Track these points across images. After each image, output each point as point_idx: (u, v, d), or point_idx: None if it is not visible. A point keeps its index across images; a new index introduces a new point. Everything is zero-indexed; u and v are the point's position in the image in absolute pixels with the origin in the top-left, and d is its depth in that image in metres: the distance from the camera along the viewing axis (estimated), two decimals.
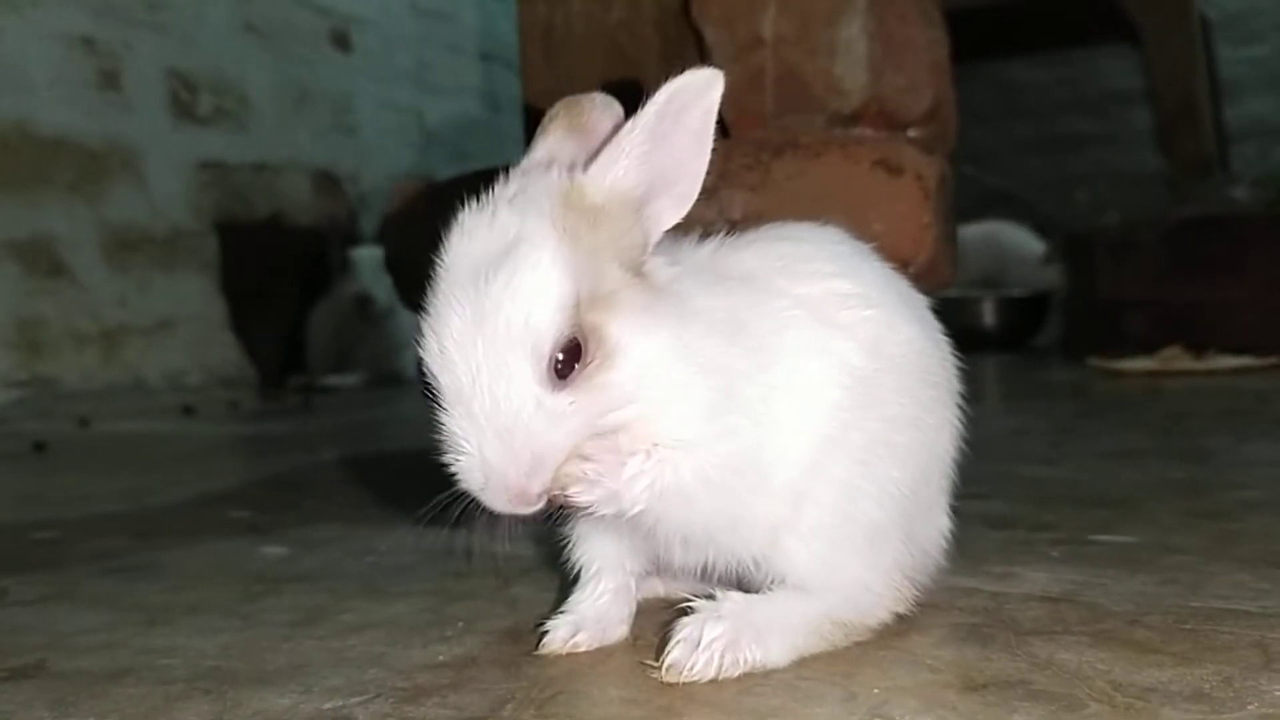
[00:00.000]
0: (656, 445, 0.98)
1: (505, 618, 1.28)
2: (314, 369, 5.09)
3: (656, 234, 1.02)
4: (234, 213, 5.14)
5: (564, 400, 0.94)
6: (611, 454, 0.98)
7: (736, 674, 1.02)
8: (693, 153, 1.00)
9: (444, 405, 0.96)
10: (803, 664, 1.05)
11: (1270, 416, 2.58)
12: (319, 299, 5.21)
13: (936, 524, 1.18)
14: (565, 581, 1.24)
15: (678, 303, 1.00)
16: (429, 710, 1.00)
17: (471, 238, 0.98)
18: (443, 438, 0.97)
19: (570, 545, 1.19)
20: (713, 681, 1.02)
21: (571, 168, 0.99)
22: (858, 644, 1.10)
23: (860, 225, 1.30)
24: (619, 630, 1.16)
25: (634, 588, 1.18)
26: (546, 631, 1.15)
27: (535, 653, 1.14)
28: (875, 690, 0.98)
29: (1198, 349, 3.53)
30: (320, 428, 3.71)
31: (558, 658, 1.13)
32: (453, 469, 0.97)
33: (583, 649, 1.13)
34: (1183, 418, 2.59)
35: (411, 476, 2.43)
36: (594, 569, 1.16)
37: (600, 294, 0.95)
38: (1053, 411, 3.03)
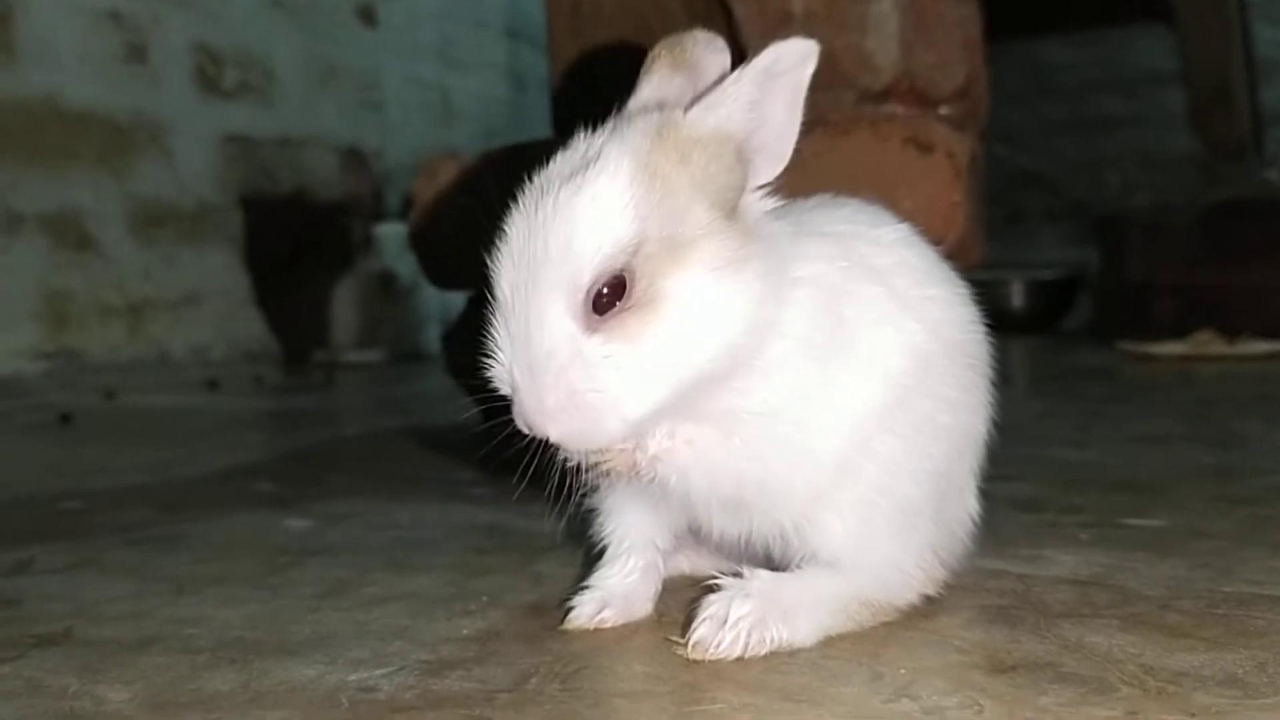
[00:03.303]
0: (728, 414, 0.97)
1: (529, 592, 1.27)
2: (337, 345, 5.10)
3: (755, 182, 1.00)
4: (259, 188, 5.15)
5: (598, 345, 0.92)
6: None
7: (763, 653, 1.01)
8: (786, 117, 0.97)
9: (493, 312, 0.96)
10: (829, 643, 1.04)
11: None
12: (343, 275, 5.21)
13: (966, 505, 1.17)
14: (589, 557, 1.24)
15: (776, 264, 0.98)
16: (453, 683, 0.99)
17: (562, 160, 0.97)
18: (488, 339, 0.97)
19: (598, 519, 1.18)
20: (738, 659, 1.01)
21: (675, 106, 0.98)
22: (885, 624, 1.09)
23: (890, 203, 1.29)
24: (645, 607, 1.16)
25: (661, 565, 1.17)
26: (572, 607, 1.14)
27: (560, 628, 1.13)
28: (902, 670, 0.97)
29: (1230, 333, 3.50)
30: (343, 403, 3.72)
31: (583, 633, 1.12)
32: (488, 374, 0.97)
33: (608, 625, 1.13)
34: (1213, 403, 2.56)
35: (434, 452, 2.43)
36: (623, 545, 1.16)
37: (678, 239, 0.93)
38: (1081, 395, 3.01)
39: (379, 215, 5.42)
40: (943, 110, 2.27)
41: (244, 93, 5.06)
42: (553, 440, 0.95)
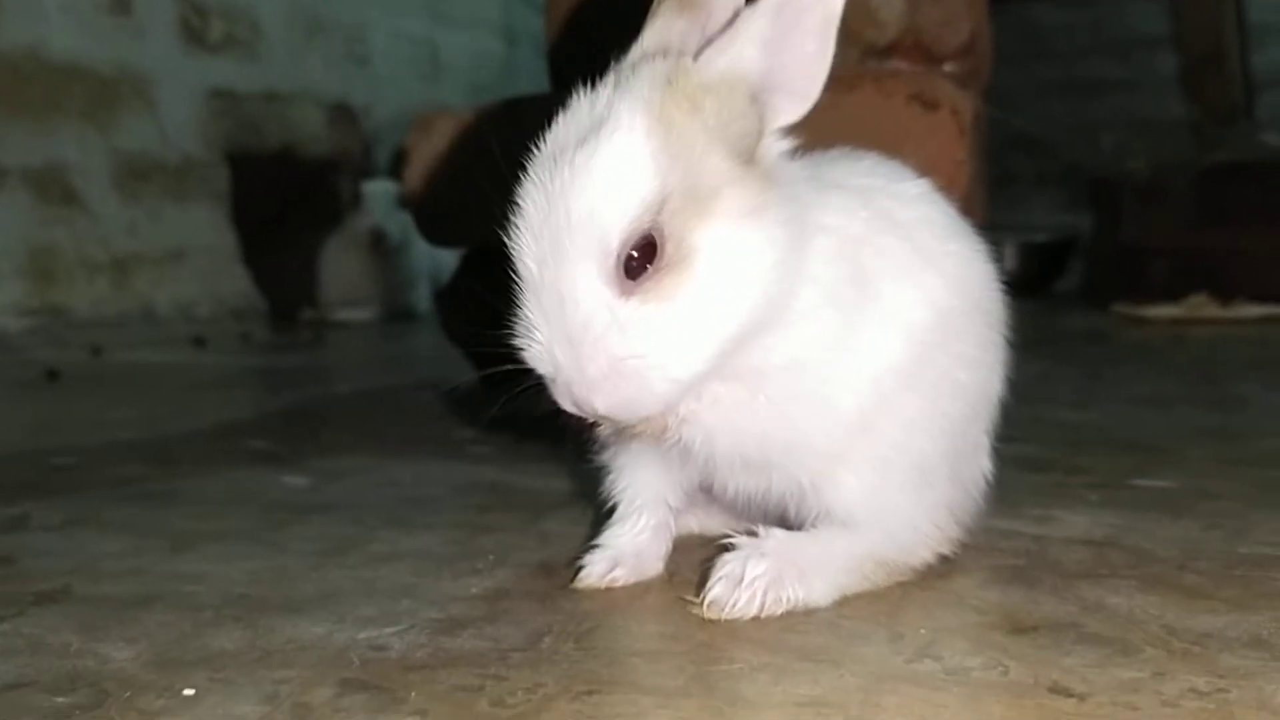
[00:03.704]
0: (754, 370, 0.95)
1: (537, 551, 1.26)
2: (326, 303, 5.05)
3: (773, 125, 0.96)
4: (245, 143, 5.07)
5: (634, 309, 0.89)
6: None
7: (779, 612, 1.00)
8: (814, 53, 0.93)
9: (520, 288, 0.93)
10: (845, 603, 1.03)
11: None
12: (332, 232, 5.15)
13: (980, 464, 1.16)
14: (597, 516, 1.22)
15: (797, 211, 0.95)
16: (465, 642, 0.98)
17: (569, 118, 0.94)
18: (518, 318, 0.93)
19: (609, 477, 1.16)
20: (754, 619, 1.00)
21: (682, 52, 0.95)
22: (900, 584, 1.08)
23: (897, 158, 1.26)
24: (656, 566, 1.14)
25: (673, 524, 1.16)
26: (583, 566, 1.13)
27: (571, 587, 1.12)
28: (921, 630, 0.96)
29: (1224, 297, 3.49)
30: (333, 361, 3.69)
31: (594, 592, 1.11)
32: (523, 353, 0.93)
33: (620, 584, 1.11)
34: (1210, 365, 2.56)
35: (428, 410, 2.41)
36: (635, 503, 1.14)
37: (700, 190, 0.90)
38: (1079, 357, 3.00)
39: (368, 172, 5.34)
40: (947, 67, 2.24)
41: (229, 46, 4.97)
42: (601, 413, 0.92)
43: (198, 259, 4.87)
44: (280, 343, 4.27)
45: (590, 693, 0.86)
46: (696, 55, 0.94)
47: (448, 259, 5.24)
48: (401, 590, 1.13)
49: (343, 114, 5.42)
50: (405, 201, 2.40)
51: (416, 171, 2.39)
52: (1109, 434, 1.82)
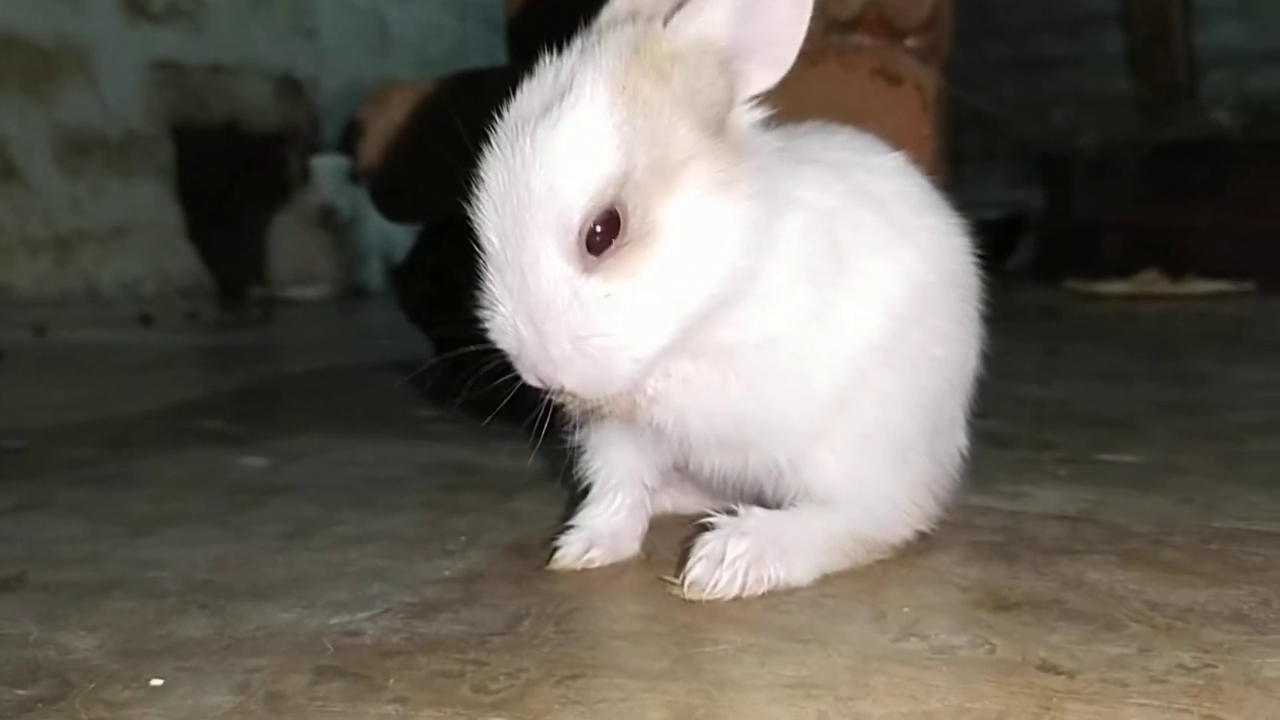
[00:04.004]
0: (724, 348, 0.93)
1: (508, 532, 1.23)
2: (275, 280, 4.97)
3: (744, 94, 0.93)
4: (190, 116, 4.96)
5: (597, 286, 0.87)
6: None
7: (760, 592, 0.99)
8: (789, 18, 0.91)
9: (483, 262, 0.91)
10: (826, 582, 1.02)
11: (1254, 341, 2.59)
12: (280, 208, 5.07)
13: (955, 440, 1.15)
14: (573, 496, 1.20)
15: (768, 183, 0.92)
16: (441, 626, 0.95)
17: (532, 88, 0.91)
18: (480, 293, 0.91)
19: (583, 456, 1.14)
20: (735, 599, 0.98)
21: (653, 17, 0.92)
22: (880, 562, 1.07)
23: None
24: (632, 546, 1.12)
25: (649, 503, 1.14)
26: (558, 547, 1.11)
27: (546, 568, 1.10)
28: (905, 609, 0.95)
29: (1174, 273, 3.53)
30: (285, 340, 3.63)
31: (570, 573, 1.09)
32: (486, 327, 0.91)
33: (596, 565, 1.09)
34: (1165, 340, 2.58)
35: (387, 389, 2.37)
36: (609, 483, 1.12)
37: (666, 162, 0.87)
38: (1035, 333, 3.01)
39: (316, 146, 5.26)
40: (909, 42, 2.23)
41: (173, 17, 4.85)
42: (567, 390, 0.90)
43: (143, 235, 4.77)
44: (229, 321, 4.19)
45: (574, 677, 0.84)
46: (666, 20, 0.91)
47: (399, 235, 5.18)
48: (372, 574, 1.10)
49: (290, 87, 5.33)
50: (361, 176, 2.34)
51: (373, 145, 2.34)
52: (1073, 409, 1.83)
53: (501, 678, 0.84)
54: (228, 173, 5.07)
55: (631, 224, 0.87)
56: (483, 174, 0.90)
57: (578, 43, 0.94)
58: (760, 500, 1.08)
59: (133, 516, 1.34)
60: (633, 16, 0.94)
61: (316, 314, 4.45)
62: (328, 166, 4.97)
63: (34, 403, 2.28)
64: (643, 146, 0.86)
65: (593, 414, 0.97)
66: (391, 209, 2.37)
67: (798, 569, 1.00)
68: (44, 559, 1.19)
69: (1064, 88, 7.41)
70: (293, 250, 5.01)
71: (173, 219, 4.91)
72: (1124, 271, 3.75)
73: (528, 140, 0.86)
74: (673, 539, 1.16)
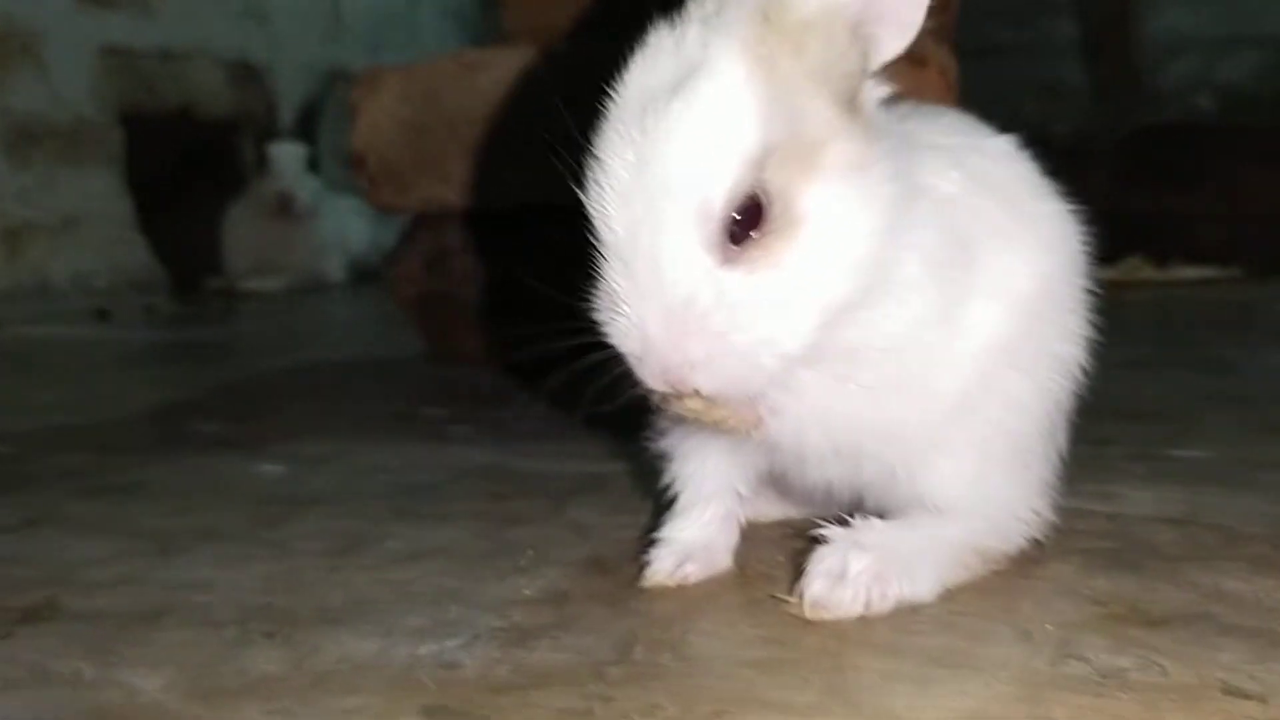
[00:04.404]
0: (849, 351, 0.85)
1: (577, 545, 1.15)
2: (232, 272, 4.80)
3: (875, 63, 0.86)
4: (141, 103, 4.77)
5: (741, 279, 0.79)
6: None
7: (885, 610, 0.92)
8: None
9: (603, 255, 0.82)
10: (949, 598, 0.95)
11: (1262, 328, 2.56)
12: (235, 198, 4.89)
13: (1060, 441, 1.08)
14: (620, 500, 1.13)
15: (901, 167, 0.85)
16: (545, 655, 0.87)
17: (652, 62, 0.82)
18: (598, 290, 0.83)
19: (671, 464, 1.05)
20: (860, 619, 0.91)
21: None
22: (997, 574, 1.00)
23: None
24: (725, 560, 1.04)
25: (741, 514, 1.06)
26: (648, 562, 1.02)
27: (637, 585, 1.01)
28: (1047, 626, 0.88)
29: (1158, 259, 3.53)
30: (253, 335, 3.49)
31: (664, 591, 1.00)
32: (608, 329, 0.83)
33: (690, 581, 1.01)
34: (1173, 328, 2.55)
35: (379, 387, 2.27)
36: (702, 492, 1.04)
37: (803, 142, 0.80)
38: None
39: (271, 133, 5.09)
40: (924, 24, 2.17)
41: (123, 1, 4.65)
42: (703, 392, 0.81)
43: (94, 227, 4.58)
44: (188, 315, 4.04)
45: (718, 714, 0.76)
46: None
47: (359, 226, 5.05)
48: (444, 594, 1.01)
49: (244, 72, 5.16)
50: (351, 163, 2.23)
51: (364, 131, 2.23)
52: (1116, 402, 1.77)
53: (636, 716, 0.76)
54: (180, 161, 4.89)
55: (774, 210, 0.79)
56: (602, 158, 0.81)
57: (692, 10, 0.85)
58: (855, 508, 1.01)
59: (157, 532, 1.24)
60: None
61: (278, 307, 4.29)
62: (287, 154, 4.81)
63: (8, 405, 2.14)
64: (782, 124, 0.79)
65: (713, 427, 0.89)
66: (384, 197, 2.27)
67: (922, 584, 0.93)
68: (71, 583, 1.08)
69: (1016, 76, 7.43)
70: (250, 241, 4.85)
71: (124, 210, 4.72)
72: (1107, 259, 3.72)
73: (659, 119, 0.78)
74: (761, 550, 1.09)
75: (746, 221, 0.79)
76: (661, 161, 0.78)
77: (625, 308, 0.80)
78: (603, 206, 0.81)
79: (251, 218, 4.80)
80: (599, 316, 0.83)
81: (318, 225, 4.83)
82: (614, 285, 0.81)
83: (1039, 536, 1.03)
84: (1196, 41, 6.65)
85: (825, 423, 0.90)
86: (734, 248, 0.79)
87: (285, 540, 1.20)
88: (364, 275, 4.93)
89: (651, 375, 0.82)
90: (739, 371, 0.80)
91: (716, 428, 0.88)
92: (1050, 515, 1.03)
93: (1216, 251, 3.49)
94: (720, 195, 0.78)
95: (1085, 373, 1.06)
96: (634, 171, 0.79)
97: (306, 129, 5.09)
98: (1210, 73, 5.54)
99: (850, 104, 0.84)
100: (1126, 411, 1.69)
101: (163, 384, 2.38)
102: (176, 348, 3.17)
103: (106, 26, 4.60)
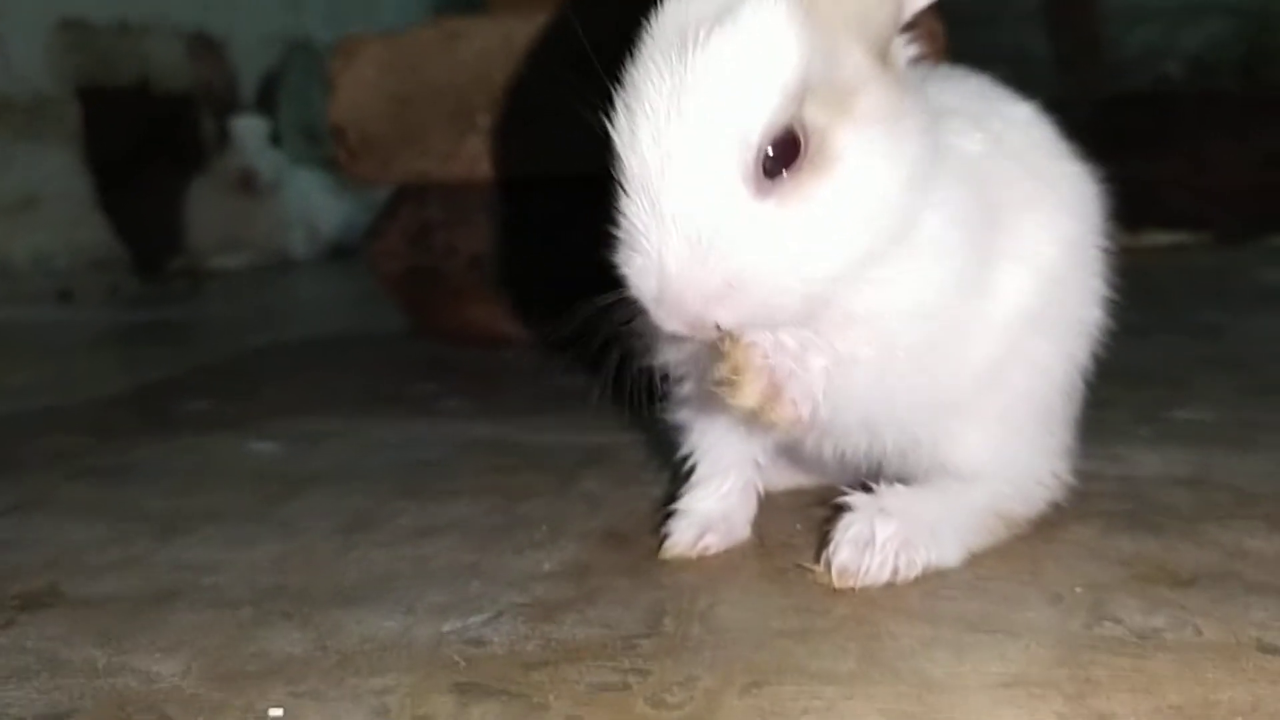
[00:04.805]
0: (874, 315, 0.84)
1: (590, 518, 1.13)
2: (196, 250, 4.71)
3: (907, 15, 0.85)
4: (99, 78, 4.66)
5: (772, 210, 0.77)
6: (806, 349, 0.83)
7: (912, 576, 0.91)
8: None
9: (626, 191, 0.80)
10: (975, 562, 0.95)
11: (1240, 291, 2.58)
12: (197, 173, 4.79)
13: (1078, 404, 1.08)
14: (628, 471, 1.12)
15: (930, 122, 0.84)
16: (573, 629, 0.86)
17: None
18: (618, 230, 0.81)
19: (689, 436, 1.04)
20: (888, 585, 0.90)
21: None
22: (1020, 538, 1.00)
23: None
24: (744, 530, 1.04)
25: (759, 484, 1.05)
26: (668, 534, 1.01)
27: (659, 557, 1.00)
28: (1077, 589, 0.88)
29: (1131, 226, 3.54)
30: (223, 313, 3.44)
31: (686, 562, 1.00)
32: (625, 271, 0.81)
33: (711, 552, 1.00)
34: (1154, 292, 2.55)
35: (361, 364, 2.24)
36: (720, 463, 1.03)
37: (838, 85, 0.78)
38: None
39: (232, 106, 4.99)
40: None
41: None
42: (724, 326, 0.79)
43: (53, 206, 4.48)
44: (153, 295, 3.96)
45: (756, 684, 0.75)
46: None
47: (323, 201, 4.97)
48: (464, 570, 1.00)
49: (203, 44, 5.06)
50: (331, 135, 2.19)
51: (343, 102, 2.19)
52: (1110, 365, 1.78)
53: (675, 688, 0.76)
54: (140, 137, 4.79)
55: (810, 147, 0.77)
56: (637, 86, 0.79)
57: None
58: (873, 475, 1.00)
59: (156, 514, 1.21)
60: None
61: (245, 285, 4.22)
62: (249, 128, 4.70)
63: None
64: (820, 65, 0.78)
65: (756, 422, 0.87)
66: (363, 170, 2.23)
67: (948, 550, 0.93)
68: (72, 566, 1.06)
69: (980, 46, 7.44)
70: (212, 218, 4.75)
71: (84, 187, 4.62)
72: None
73: (700, 48, 0.76)
74: (779, 519, 1.08)
75: (781, 156, 0.77)
76: (701, 90, 0.76)
77: (645, 243, 0.78)
78: (633, 136, 0.79)
79: (213, 194, 4.70)
80: (616, 257, 0.81)
81: (281, 201, 4.73)
82: (635, 221, 0.79)
83: (1059, 500, 1.03)
84: (1159, 10, 6.69)
85: (861, 397, 0.88)
86: (767, 181, 0.77)
87: (292, 519, 1.18)
88: (331, 251, 4.86)
89: (669, 314, 0.79)
90: (760, 298, 0.78)
91: (761, 423, 0.86)
92: (1070, 478, 1.03)
93: (1187, 218, 3.52)
94: (759, 126, 0.76)
95: (1104, 335, 1.05)
96: (671, 100, 0.77)
97: (268, 102, 4.98)
98: (1173, 40, 5.57)
99: (883, 55, 0.83)
100: (1125, 375, 1.68)
101: (139, 364, 2.34)
102: (146, 328, 3.11)
103: (63, 0, 4.49)
